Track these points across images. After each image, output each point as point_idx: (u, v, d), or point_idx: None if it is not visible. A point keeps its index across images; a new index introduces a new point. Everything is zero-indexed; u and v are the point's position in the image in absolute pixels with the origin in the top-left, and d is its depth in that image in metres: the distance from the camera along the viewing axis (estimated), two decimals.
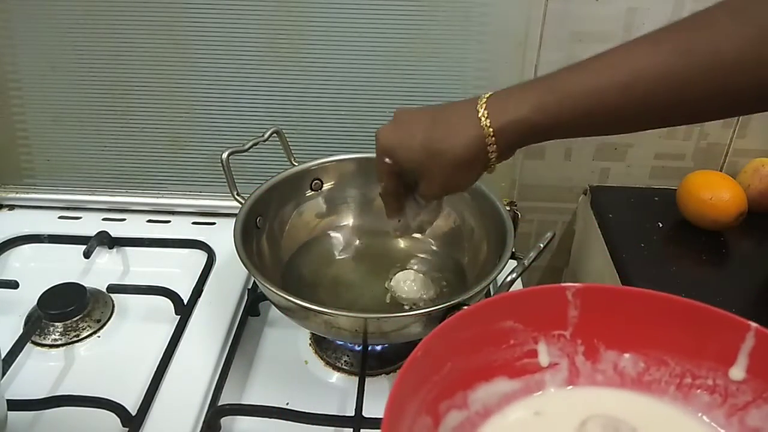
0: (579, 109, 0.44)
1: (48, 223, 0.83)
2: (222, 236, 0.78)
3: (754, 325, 0.40)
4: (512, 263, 0.59)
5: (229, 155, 0.66)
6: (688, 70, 0.42)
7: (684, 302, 0.42)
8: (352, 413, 0.58)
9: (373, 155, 0.74)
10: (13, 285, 0.71)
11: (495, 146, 0.48)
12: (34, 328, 0.67)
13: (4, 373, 0.60)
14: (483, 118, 0.47)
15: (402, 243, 0.74)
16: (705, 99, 0.43)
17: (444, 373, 0.41)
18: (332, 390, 0.64)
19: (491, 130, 0.47)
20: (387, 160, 0.54)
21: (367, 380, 0.62)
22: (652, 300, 0.43)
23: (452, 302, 0.56)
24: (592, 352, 0.44)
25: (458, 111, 0.50)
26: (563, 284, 0.43)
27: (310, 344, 0.68)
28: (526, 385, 0.44)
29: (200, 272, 0.75)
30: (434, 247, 0.74)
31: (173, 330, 0.67)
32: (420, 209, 0.60)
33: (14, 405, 0.57)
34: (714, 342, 0.42)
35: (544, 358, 0.44)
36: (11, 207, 0.87)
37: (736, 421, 0.41)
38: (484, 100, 0.48)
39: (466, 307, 0.45)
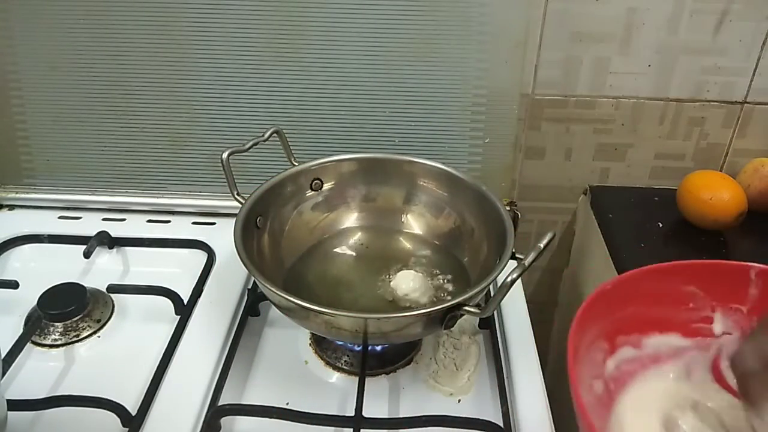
0: None
1: (48, 223, 0.83)
2: (222, 236, 0.78)
3: None
4: (512, 263, 0.59)
5: (229, 155, 0.66)
6: None
7: None
8: (352, 413, 0.58)
9: (373, 155, 0.75)
10: (13, 285, 0.71)
11: None
12: (34, 328, 0.67)
13: (4, 373, 0.60)
14: None
15: (402, 243, 0.74)
16: None
17: (626, 313, 0.45)
18: (332, 390, 0.64)
19: None
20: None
21: (367, 380, 0.62)
22: None
23: (452, 302, 0.56)
24: None
25: None
26: (749, 263, 0.46)
27: (310, 344, 0.68)
28: (697, 345, 0.47)
29: (200, 272, 0.75)
30: (434, 248, 0.74)
31: (173, 330, 0.67)
32: None
33: (14, 405, 0.57)
34: None
35: (718, 327, 0.47)
36: (11, 207, 0.87)
37: None
38: None
39: (660, 264, 0.47)
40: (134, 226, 0.83)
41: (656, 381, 0.47)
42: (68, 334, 0.68)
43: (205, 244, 0.79)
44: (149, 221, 0.85)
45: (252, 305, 0.71)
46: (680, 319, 0.47)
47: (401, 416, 0.60)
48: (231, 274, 0.75)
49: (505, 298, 0.54)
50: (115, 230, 0.80)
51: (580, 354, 0.42)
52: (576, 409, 0.38)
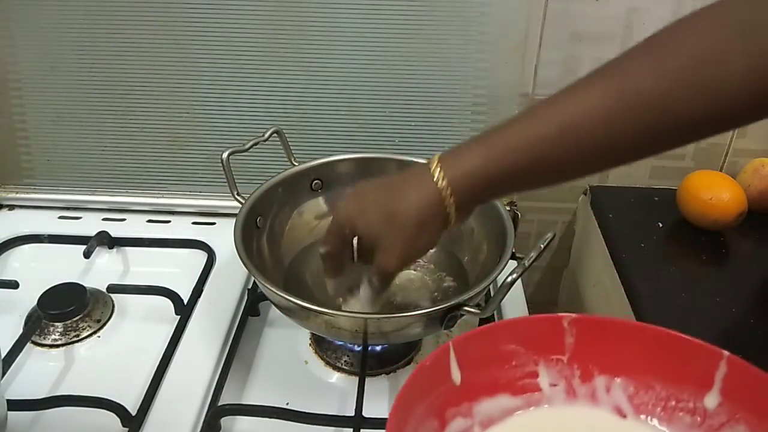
0: (522, 162, 0.46)
1: (48, 223, 0.83)
2: (222, 236, 0.78)
3: (726, 353, 0.44)
4: (512, 263, 0.59)
5: (229, 155, 0.66)
6: (611, 113, 0.43)
7: (666, 333, 0.46)
8: (352, 413, 0.58)
9: (373, 155, 0.75)
10: (13, 285, 0.71)
11: (452, 199, 0.48)
12: (34, 328, 0.67)
13: (4, 373, 0.60)
14: (437, 174, 0.47)
15: None
16: (636, 138, 0.44)
17: (451, 384, 0.45)
18: (332, 390, 0.64)
19: (445, 183, 0.47)
20: (347, 232, 0.53)
21: (367, 380, 0.62)
22: (639, 330, 0.48)
23: (452, 303, 0.56)
24: (587, 375, 0.48)
25: (413, 173, 0.50)
26: (560, 314, 0.47)
27: (310, 344, 0.68)
28: (527, 402, 0.48)
29: (200, 272, 0.75)
30: (434, 248, 0.73)
31: (173, 330, 0.67)
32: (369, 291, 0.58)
33: (14, 405, 0.57)
34: (694, 369, 0.46)
35: (544, 380, 0.48)
36: (11, 207, 0.87)
37: None
38: (436, 158, 0.49)
39: (472, 330, 0.48)
40: (134, 226, 0.83)
41: None
42: (68, 334, 0.68)
43: (205, 244, 0.79)
44: (149, 221, 0.85)
45: (252, 305, 0.71)
46: (506, 379, 0.47)
47: None
48: (231, 274, 0.75)
49: (505, 298, 0.54)
50: (115, 230, 0.80)
51: None
52: None
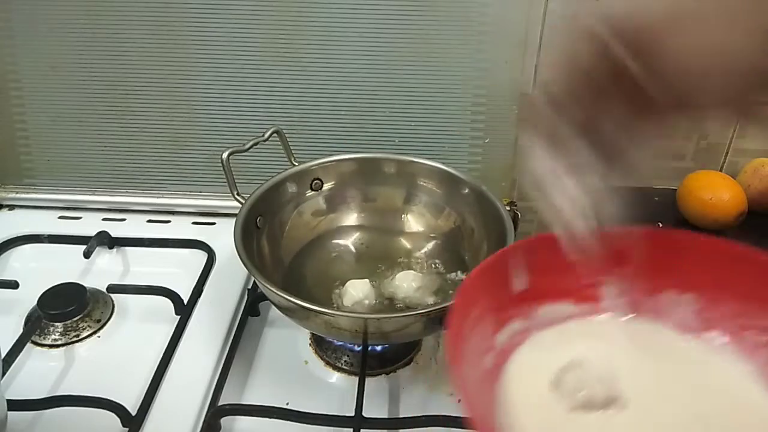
0: None
1: (48, 223, 0.84)
2: (222, 236, 0.78)
3: None
4: None
5: (229, 155, 0.66)
6: None
7: (742, 250, 0.45)
8: (352, 413, 0.58)
9: (373, 155, 0.75)
10: (13, 285, 0.71)
11: None
12: (34, 328, 0.67)
13: (4, 373, 0.60)
14: None
15: (402, 243, 0.74)
16: None
17: (512, 286, 0.45)
18: (332, 390, 0.64)
19: None
20: (618, 51, 0.30)
21: (367, 380, 0.62)
22: (712, 246, 0.47)
23: (452, 302, 0.56)
24: (655, 289, 0.47)
25: None
26: (631, 227, 0.45)
27: (310, 344, 0.68)
28: (589, 311, 0.47)
29: (200, 272, 0.75)
30: (434, 248, 0.74)
31: (173, 330, 0.67)
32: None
33: (14, 405, 0.57)
34: (766, 288, 0.44)
35: (609, 290, 0.47)
36: (11, 207, 0.87)
37: None
38: None
39: (539, 235, 0.46)
40: (134, 226, 0.83)
41: (542, 345, 0.46)
42: (68, 334, 0.68)
43: (205, 244, 0.79)
44: (149, 221, 0.85)
45: (252, 305, 0.71)
46: (570, 287, 0.47)
47: (401, 416, 0.60)
48: (231, 274, 0.75)
49: None
50: (115, 230, 0.80)
51: (464, 331, 0.41)
52: (456, 390, 0.37)
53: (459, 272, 0.70)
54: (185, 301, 0.71)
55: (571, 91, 0.32)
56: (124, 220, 0.85)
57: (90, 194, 0.86)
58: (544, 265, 0.45)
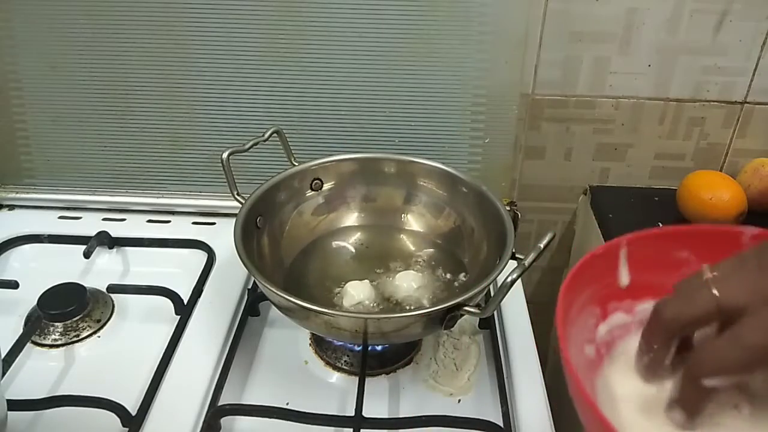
0: None
1: (48, 223, 0.83)
2: (222, 236, 0.78)
3: None
4: (512, 263, 0.59)
5: (229, 155, 0.66)
6: None
7: None
8: (352, 413, 0.58)
9: (373, 155, 0.75)
10: (13, 285, 0.71)
11: None
12: (34, 328, 0.67)
13: (4, 373, 0.60)
14: None
15: (402, 243, 0.74)
16: None
17: (617, 279, 0.45)
18: (332, 390, 0.64)
19: None
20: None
21: (367, 380, 0.62)
22: None
23: (452, 302, 0.56)
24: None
25: None
26: (741, 227, 0.45)
27: (310, 344, 0.68)
28: None
29: (200, 272, 0.75)
30: (434, 248, 0.74)
31: (173, 330, 0.67)
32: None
33: (14, 405, 0.57)
34: None
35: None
36: (11, 207, 0.87)
37: None
38: None
39: (647, 230, 0.45)
40: (134, 226, 0.83)
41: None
42: (68, 334, 0.68)
43: (205, 244, 0.79)
44: (149, 221, 0.85)
45: (252, 305, 0.71)
46: (673, 285, 0.46)
47: (401, 416, 0.60)
48: (231, 274, 0.75)
49: (505, 298, 0.54)
50: (115, 230, 0.80)
51: (570, 316, 0.42)
52: (564, 368, 0.37)
53: (459, 273, 0.70)
54: (185, 301, 0.71)
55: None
56: (124, 220, 0.85)
57: (90, 194, 0.86)
58: (647, 260, 0.46)
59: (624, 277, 0.45)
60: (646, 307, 0.46)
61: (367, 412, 0.58)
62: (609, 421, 0.35)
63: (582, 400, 0.36)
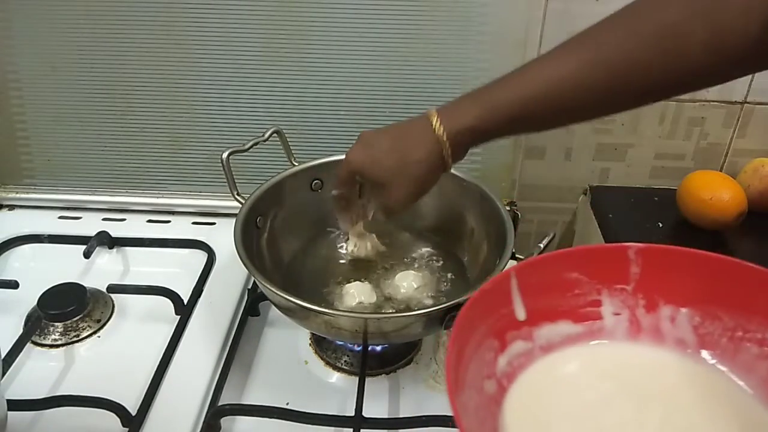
0: (511, 117, 0.52)
1: (48, 223, 0.84)
2: (222, 236, 0.78)
3: None
4: (512, 263, 0.59)
5: (229, 155, 0.66)
6: (588, 80, 0.49)
7: (736, 263, 0.45)
8: (352, 413, 0.58)
9: None
10: (13, 285, 0.71)
11: (450, 150, 0.55)
12: (34, 328, 0.67)
13: (4, 373, 0.60)
14: (437, 129, 0.54)
15: (402, 243, 0.74)
16: (607, 99, 0.50)
17: (512, 308, 0.45)
18: (332, 390, 0.64)
19: (445, 137, 0.54)
20: (357, 178, 0.60)
21: (367, 380, 0.62)
22: (707, 261, 0.46)
23: (452, 302, 0.56)
24: (652, 305, 0.47)
25: (416, 126, 0.56)
26: (626, 244, 0.47)
27: (310, 344, 0.68)
28: (589, 330, 0.48)
29: (200, 272, 0.75)
30: (434, 248, 0.74)
31: (173, 330, 0.67)
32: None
33: (14, 405, 0.57)
34: (762, 299, 0.44)
35: (606, 309, 0.47)
36: (11, 207, 0.87)
37: None
38: (435, 114, 0.55)
39: (535, 257, 0.49)
40: (134, 226, 0.83)
41: (544, 370, 0.47)
42: (68, 334, 0.68)
43: (205, 244, 0.79)
44: (149, 221, 0.85)
45: (252, 305, 0.71)
46: (568, 306, 0.47)
47: (401, 416, 0.60)
48: (231, 274, 0.75)
49: None
50: (115, 230, 0.80)
51: (465, 357, 0.41)
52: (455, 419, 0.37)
53: (459, 273, 0.70)
54: (185, 301, 0.71)
55: (350, 191, 0.64)
56: (124, 220, 0.85)
57: (90, 194, 0.86)
58: (539, 286, 0.46)
59: (520, 312, 0.46)
60: (544, 331, 0.46)
61: (367, 412, 0.58)
62: None
63: None
